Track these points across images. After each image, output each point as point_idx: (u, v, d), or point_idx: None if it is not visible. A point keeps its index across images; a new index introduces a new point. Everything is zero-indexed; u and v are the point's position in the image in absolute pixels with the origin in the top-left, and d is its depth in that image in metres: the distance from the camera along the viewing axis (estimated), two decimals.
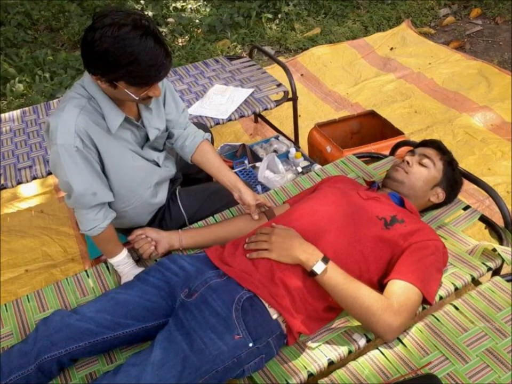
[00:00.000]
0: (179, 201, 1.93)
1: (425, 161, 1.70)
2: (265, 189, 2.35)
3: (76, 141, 1.48)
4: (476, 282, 1.61)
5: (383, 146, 2.33)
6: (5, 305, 1.64)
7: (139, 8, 4.75)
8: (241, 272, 1.43)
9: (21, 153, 2.34)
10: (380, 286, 1.46)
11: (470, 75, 3.54)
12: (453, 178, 1.74)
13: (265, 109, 2.54)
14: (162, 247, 1.73)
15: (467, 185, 1.84)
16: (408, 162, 1.71)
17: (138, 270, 1.67)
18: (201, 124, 2.34)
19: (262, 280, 1.40)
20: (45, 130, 1.57)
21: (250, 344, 1.31)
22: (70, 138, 1.48)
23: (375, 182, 1.80)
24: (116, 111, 1.56)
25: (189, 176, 2.16)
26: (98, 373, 1.44)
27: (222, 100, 2.57)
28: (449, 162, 1.74)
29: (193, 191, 2.00)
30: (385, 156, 2.13)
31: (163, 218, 1.93)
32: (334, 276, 1.36)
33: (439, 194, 1.72)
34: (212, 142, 2.26)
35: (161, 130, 1.75)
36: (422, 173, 1.69)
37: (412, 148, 1.81)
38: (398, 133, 2.46)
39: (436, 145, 1.77)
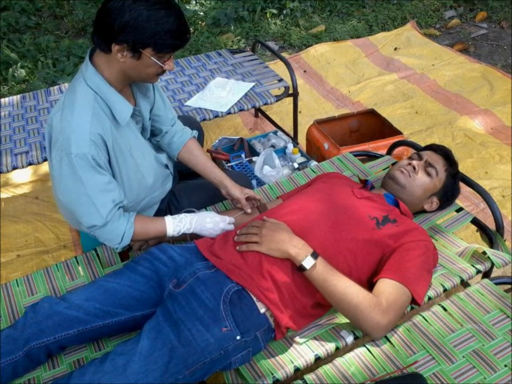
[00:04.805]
0: (181, 204, 1.89)
1: (430, 169, 1.67)
2: (260, 183, 2.34)
3: (91, 149, 1.44)
4: (464, 284, 1.62)
5: (381, 145, 2.32)
6: None
7: None
8: (230, 264, 1.42)
9: (18, 138, 2.34)
10: (369, 285, 1.46)
11: (473, 78, 3.54)
12: (451, 190, 1.73)
13: (265, 104, 2.54)
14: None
15: (463, 187, 1.84)
16: (414, 168, 1.67)
17: (211, 214, 1.65)
18: (190, 117, 2.32)
19: (251, 273, 1.40)
20: (47, 130, 1.53)
21: (238, 337, 1.31)
22: (85, 147, 1.43)
23: (368, 180, 1.79)
24: (125, 102, 1.53)
25: (182, 172, 2.14)
26: (86, 359, 1.45)
27: (222, 92, 2.56)
28: (453, 175, 1.72)
29: (194, 191, 1.97)
30: (382, 155, 2.13)
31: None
32: (323, 272, 1.36)
33: (433, 203, 1.72)
34: (202, 137, 2.25)
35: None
36: (425, 182, 1.67)
37: (407, 147, 1.80)
38: (397, 132, 2.46)
39: (444, 153, 1.74)
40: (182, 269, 1.44)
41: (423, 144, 1.93)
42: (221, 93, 2.55)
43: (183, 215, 1.63)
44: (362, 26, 4.36)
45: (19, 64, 3.86)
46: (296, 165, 2.46)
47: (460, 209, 1.81)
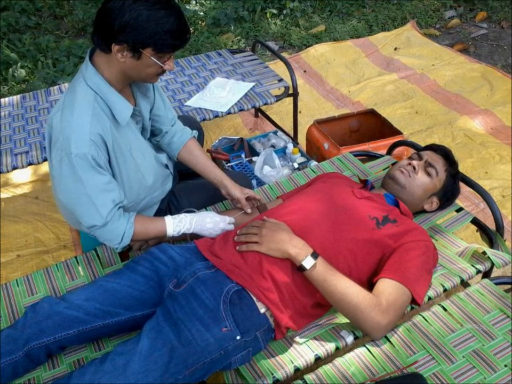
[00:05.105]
0: (181, 204, 1.89)
1: (430, 169, 1.67)
2: (260, 183, 2.34)
3: (91, 149, 1.43)
4: (464, 284, 1.62)
5: (381, 145, 2.32)
6: None
7: None
8: (230, 264, 1.42)
9: (18, 138, 2.34)
10: (369, 285, 1.46)
11: (473, 78, 3.54)
12: (451, 190, 1.73)
13: (265, 104, 2.54)
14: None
15: (463, 187, 1.84)
16: (414, 168, 1.67)
17: (211, 214, 1.64)
18: (190, 117, 2.32)
19: (251, 273, 1.40)
20: (47, 130, 1.53)
21: (238, 337, 1.31)
22: (85, 147, 1.43)
23: (368, 180, 1.79)
24: (125, 102, 1.53)
25: (182, 172, 2.14)
26: (86, 359, 1.45)
27: (222, 92, 2.56)
28: (453, 175, 1.72)
29: (194, 191, 1.97)
30: (382, 155, 2.13)
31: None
32: (323, 272, 1.36)
33: (433, 203, 1.72)
34: (202, 137, 2.25)
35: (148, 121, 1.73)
36: (425, 182, 1.66)
37: (408, 148, 1.80)
38: (397, 132, 2.45)
39: (444, 153, 1.74)
40: (182, 269, 1.44)
41: (423, 144, 1.93)
42: (221, 93, 2.55)
43: (183, 215, 1.63)
44: (362, 26, 4.36)
45: (19, 64, 3.86)
46: (296, 165, 2.46)
47: (460, 209, 1.81)
